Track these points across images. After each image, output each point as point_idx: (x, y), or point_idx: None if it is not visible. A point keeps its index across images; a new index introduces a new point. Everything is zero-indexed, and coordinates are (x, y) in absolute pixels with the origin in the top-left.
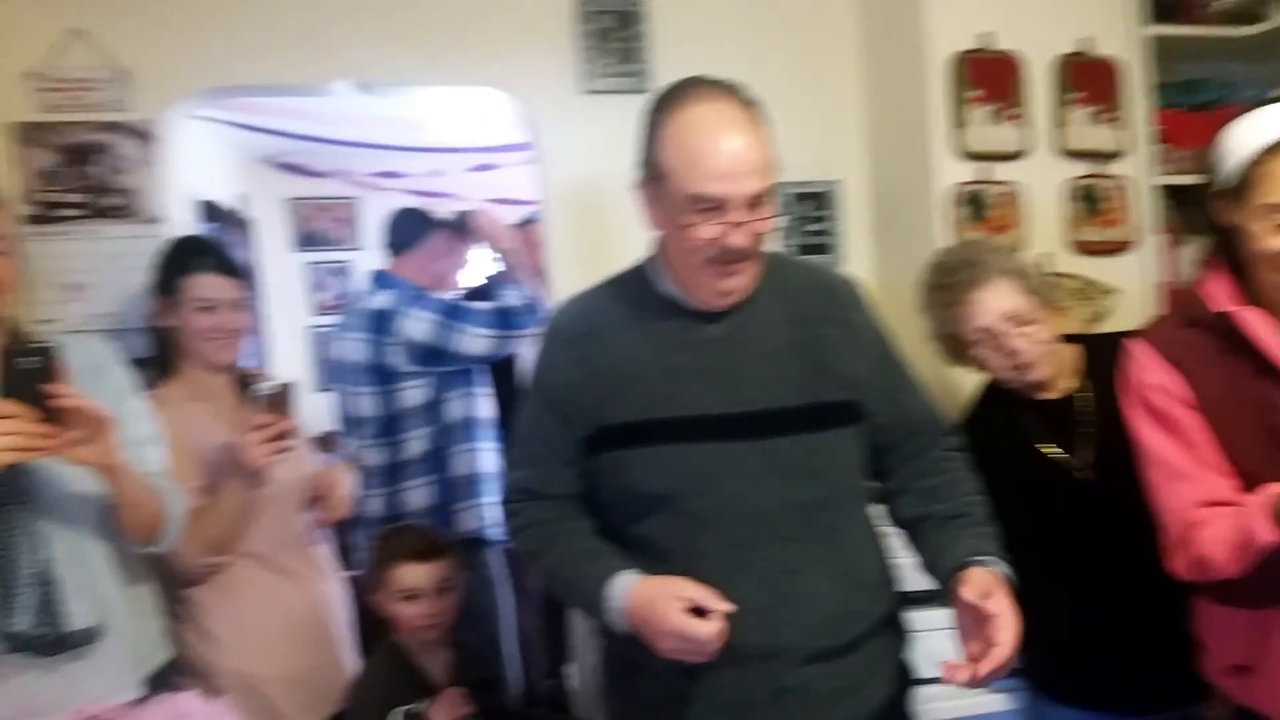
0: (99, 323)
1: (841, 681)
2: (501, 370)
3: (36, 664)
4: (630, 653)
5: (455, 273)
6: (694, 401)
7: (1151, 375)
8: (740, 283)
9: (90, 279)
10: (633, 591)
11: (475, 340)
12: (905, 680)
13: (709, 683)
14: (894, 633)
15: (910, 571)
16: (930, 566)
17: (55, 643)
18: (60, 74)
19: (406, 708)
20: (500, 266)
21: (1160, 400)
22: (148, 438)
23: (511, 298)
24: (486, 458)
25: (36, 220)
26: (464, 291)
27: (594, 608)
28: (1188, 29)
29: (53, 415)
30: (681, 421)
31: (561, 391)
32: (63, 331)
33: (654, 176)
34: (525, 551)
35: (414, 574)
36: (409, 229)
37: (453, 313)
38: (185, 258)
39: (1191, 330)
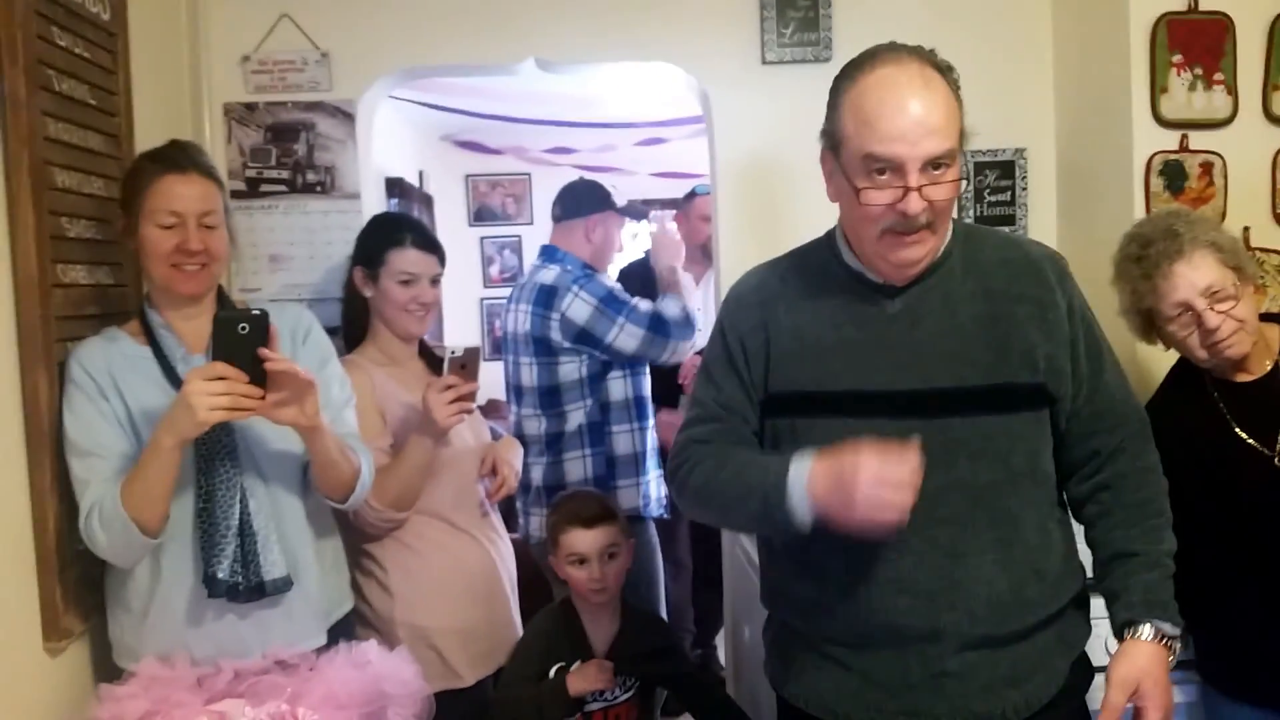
0: (298, 292)
1: (1004, 671)
2: (667, 380)
3: (233, 609)
4: (792, 622)
5: (612, 249)
6: (865, 376)
7: None
8: (918, 254)
9: (291, 251)
10: (818, 458)
11: (626, 336)
12: (1080, 675)
13: (868, 659)
14: (1072, 625)
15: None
16: (1104, 599)
17: (251, 590)
18: (268, 57)
19: (562, 664)
20: (665, 277)
21: None
22: (344, 401)
23: (671, 307)
24: (649, 437)
25: (244, 195)
26: (620, 269)
27: (776, 500)
28: None
29: (261, 377)
30: (850, 395)
31: (743, 353)
32: (266, 300)
33: (833, 145)
34: (695, 487)
35: (580, 539)
36: (578, 198)
37: (612, 302)
38: (392, 232)
39: None
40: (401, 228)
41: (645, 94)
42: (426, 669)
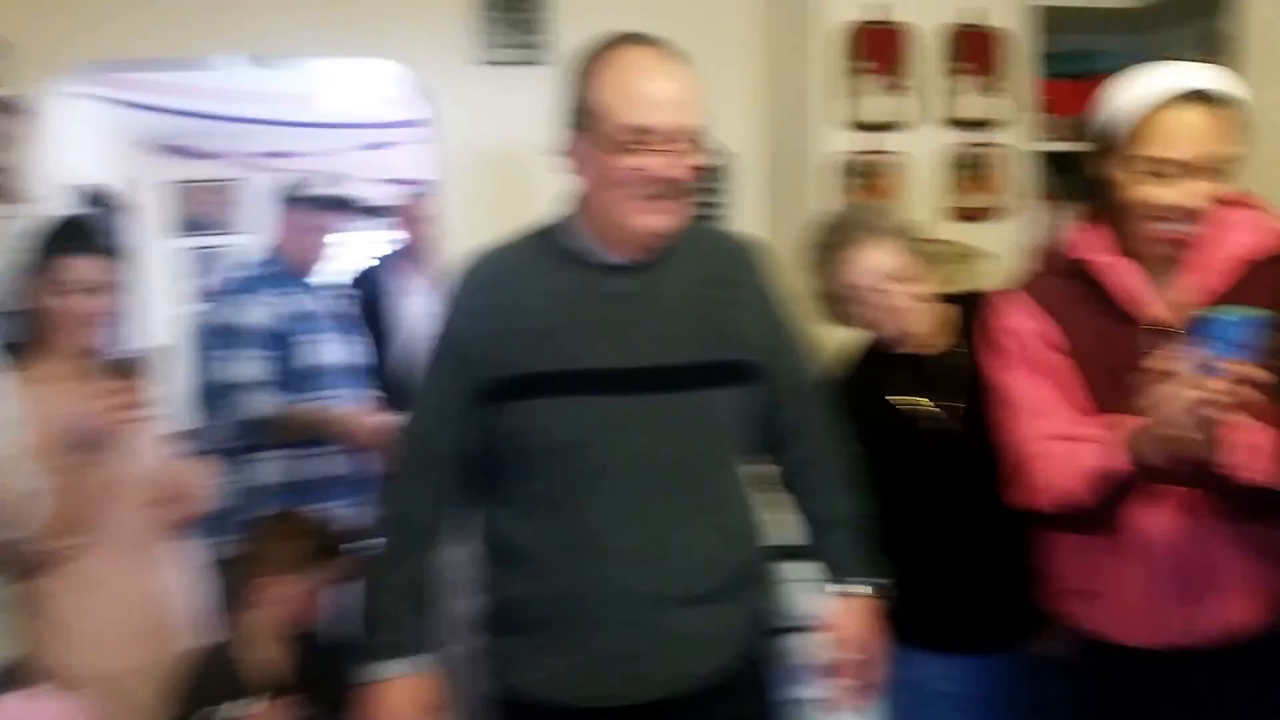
0: None
1: (714, 629)
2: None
3: None
4: (515, 614)
5: (299, 245)
6: (598, 355)
7: (1014, 320)
8: (668, 222)
9: None
10: (389, 680)
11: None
12: (766, 631)
13: (594, 636)
14: (758, 584)
15: (782, 526)
16: (820, 563)
17: None
18: None
19: (207, 709)
20: None
21: (1019, 343)
22: (6, 421)
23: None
24: (316, 466)
25: None
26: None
27: (363, 650)
28: (1073, 1)
29: None
30: (584, 374)
31: (463, 339)
32: None
33: (584, 123)
34: (371, 554)
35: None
36: (282, 198)
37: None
38: (61, 239)
39: (1059, 278)
40: (69, 234)
41: (369, 94)
42: (99, 711)
